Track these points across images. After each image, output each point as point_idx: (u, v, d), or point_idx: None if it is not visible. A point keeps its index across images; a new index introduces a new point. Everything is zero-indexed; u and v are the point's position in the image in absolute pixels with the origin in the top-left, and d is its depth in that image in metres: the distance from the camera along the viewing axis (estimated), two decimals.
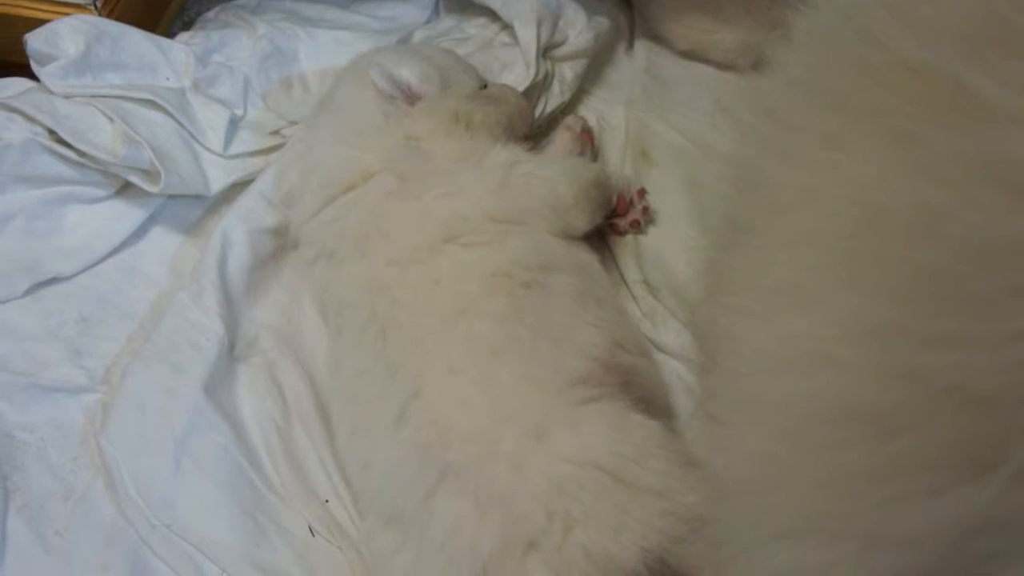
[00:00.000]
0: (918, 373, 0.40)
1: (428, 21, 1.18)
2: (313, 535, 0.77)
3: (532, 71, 1.03)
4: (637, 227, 0.96)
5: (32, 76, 0.95)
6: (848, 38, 0.56)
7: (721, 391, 0.62)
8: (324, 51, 1.10)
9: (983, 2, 0.45)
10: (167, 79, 1.01)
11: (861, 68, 0.53)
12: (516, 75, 1.04)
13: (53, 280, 0.90)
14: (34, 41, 0.94)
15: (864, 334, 0.45)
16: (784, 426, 0.49)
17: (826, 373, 0.46)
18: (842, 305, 0.47)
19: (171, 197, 0.96)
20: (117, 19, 1.02)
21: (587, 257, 0.86)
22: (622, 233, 0.96)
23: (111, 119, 0.91)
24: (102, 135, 0.91)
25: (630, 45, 1.19)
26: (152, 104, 0.96)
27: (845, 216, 0.50)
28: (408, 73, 0.89)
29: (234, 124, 1.00)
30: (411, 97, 0.88)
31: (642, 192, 0.96)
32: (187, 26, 1.16)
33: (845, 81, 0.55)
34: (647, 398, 0.74)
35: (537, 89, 1.05)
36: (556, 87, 1.07)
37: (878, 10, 0.53)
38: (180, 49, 1.03)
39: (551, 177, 0.86)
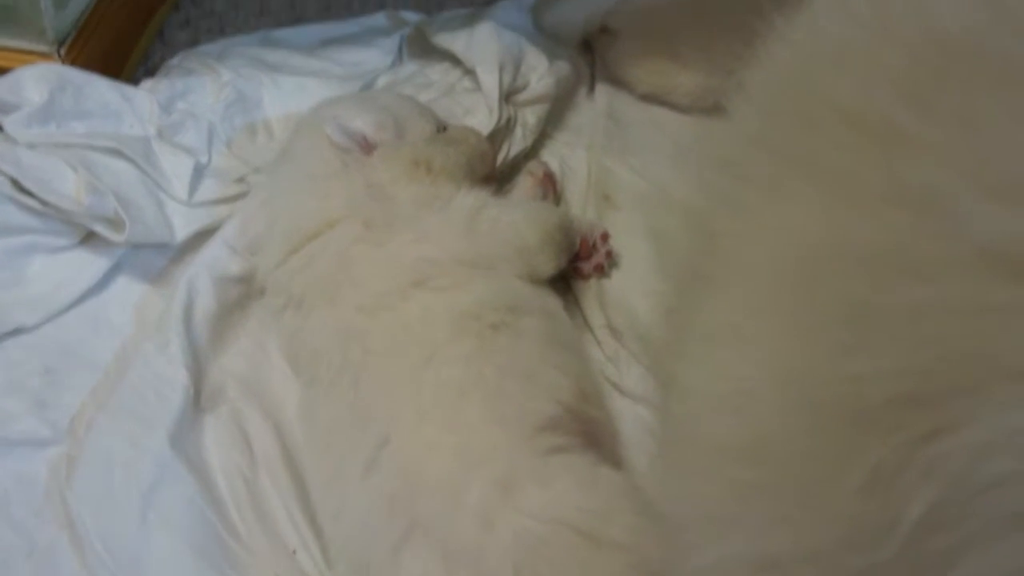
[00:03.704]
0: (819, 400, 0.42)
1: (391, 67, 1.19)
2: None
3: (495, 116, 1.04)
4: (601, 271, 0.96)
5: None
6: (793, 88, 0.59)
7: (665, 433, 0.64)
8: (288, 97, 1.11)
9: (912, 53, 0.47)
10: (131, 127, 1.01)
11: (803, 118, 0.54)
12: (479, 120, 1.05)
13: (16, 331, 0.89)
14: None
15: (779, 367, 0.46)
16: (704, 465, 0.51)
17: (742, 409, 0.48)
18: (766, 341, 0.49)
19: (135, 246, 0.95)
20: (81, 66, 1.02)
21: (553, 301, 0.87)
22: (586, 277, 0.97)
23: (75, 168, 0.91)
24: (66, 184, 0.91)
25: (591, 89, 1.20)
26: (116, 153, 0.96)
27: (781, 259, 0.51)
28: (362, 123, 0.89)
29: (199, 172, 1.00)
30: (367, 147, 0.89)
31: (605, 236, 0.97)
32: (151, 72, 1.16)
33: (789, 131, 0.57)
34: (607, 449, 0.74)
35: (500, 134, 1.06)
36: (519, 132, 1.08)
37: (820, 61, 0.56)
38: (144, 96, 1.04)
39: (516, 221, 0.87)
